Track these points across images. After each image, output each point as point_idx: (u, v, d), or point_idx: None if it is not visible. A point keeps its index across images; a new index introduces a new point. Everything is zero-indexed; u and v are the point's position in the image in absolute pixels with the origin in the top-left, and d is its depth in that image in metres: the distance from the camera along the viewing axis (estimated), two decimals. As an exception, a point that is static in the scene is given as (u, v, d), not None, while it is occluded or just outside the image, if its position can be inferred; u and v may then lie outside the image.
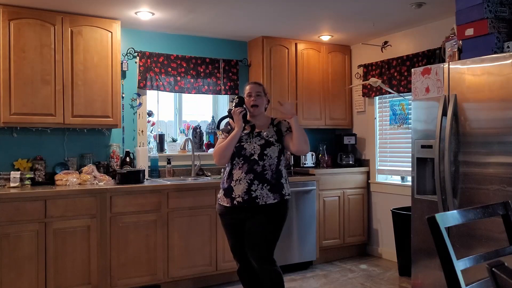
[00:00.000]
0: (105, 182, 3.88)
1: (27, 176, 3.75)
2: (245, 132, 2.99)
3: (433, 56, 4.21)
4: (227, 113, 3.12)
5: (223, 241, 3.90)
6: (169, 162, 4.55)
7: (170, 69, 4.58)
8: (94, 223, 3.61)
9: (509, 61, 2.82)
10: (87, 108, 3.93)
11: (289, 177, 4.47)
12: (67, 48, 3.85)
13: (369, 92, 5.05)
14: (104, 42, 4.01)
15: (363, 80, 5.14)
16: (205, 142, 4.94)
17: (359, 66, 5.23)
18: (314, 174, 4.77)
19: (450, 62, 3.25)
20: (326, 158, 5.23)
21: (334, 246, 4.90)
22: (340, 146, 5.23)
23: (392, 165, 4.94)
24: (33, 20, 3.73)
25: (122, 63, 4.29)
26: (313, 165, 5.13)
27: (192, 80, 4.71)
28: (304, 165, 5.06)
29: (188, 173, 4.67)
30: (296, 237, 4.49)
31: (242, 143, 2.95)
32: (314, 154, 5.17)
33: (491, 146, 2.95)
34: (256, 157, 2.90)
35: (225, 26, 4.45)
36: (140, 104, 4.53)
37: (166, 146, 4.73)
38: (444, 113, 3.19)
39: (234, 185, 2.92)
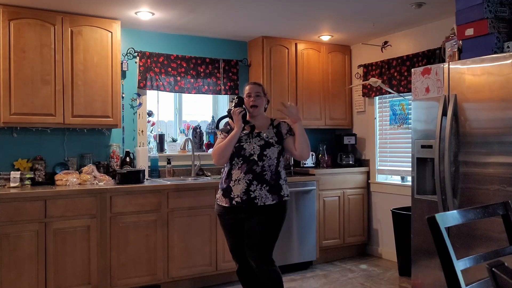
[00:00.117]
0: (105, 182, 3.88)
1: (27, 176, 3.75)
2: (244, 132, 2.98)
3: (433, 56, 4.21)
4: (226, 113, 3.12)
5: (223, 241, 3.90)
6: (169, 162, 4.55)
7: (170, 69, 4.58)
8: (94, 223, 3.61)
9: (509, 61, 2.82)
10: (87, 108, 3.93)
11: (289, 177, 4.49)
12: (67, 48, 3.85)
13: (369, 92, 5.05)
14: (104, 42, 4.01)
15: (363, 80, 5.14)
16: (205, 142, 4.94)
17: (359, 66, 5.23)
18: (314, 174, 4.77)
19: (450, 62, 3.25)
20: (326, 158, 5.23)
21: (334, 246, 4.90)
22: (340, 146, 5.23)
23: (392, 165, 4.94)
24: (33, 20, 3.73)
25: (122, 63, 4.29)
26: (313, 165, 5.13)
27: (192, 80, 4.71)
28: (304, 165, 5.06)
29: (188, 173, 4.67)
30: (296, 237, 4.49)
31: (242, 143, 2.95)
32: (314, 154, 5.16)
33: (491, 146, 2.95)
34: (255, 157, 2.90)
35: (225, 26, 4.45)
36: (140, 104, 4.53)
37: (166, 146, 4.73)
38: (444, 113, 3.19)
39: (233, 185, 2.91)
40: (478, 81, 3.01)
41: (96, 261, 3.61)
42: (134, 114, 4.49)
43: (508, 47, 3.02)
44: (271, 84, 4.83)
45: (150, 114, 4.65)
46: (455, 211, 1.60)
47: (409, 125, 4.51)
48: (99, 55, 3.98)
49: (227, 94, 4.95)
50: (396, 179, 4.95)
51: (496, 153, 2.92)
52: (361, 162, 5.26)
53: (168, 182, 4.05)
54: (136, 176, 3.92)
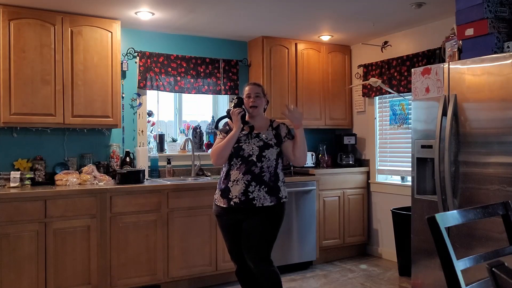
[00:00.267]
0: (105, 182, 3.88)
1: (27, 176, 3.75)
2: (243, 133, 2.97)
3: (433, 56, 4.21)
4: (225, 114, 3.11)
5: (223, 241, 3.89)
6: (169, 162, 4.55)
7: (170, 69, 4.58)
8: (94, 223, 3.61)
9: (509, 61, 2.82)
10: (87, 108, 3.93)
11: (289, 177, 4.50)
12: (67, 48, 3.85)
13: (369, 92, 5.05)
14: (104, 42, 4.01)
15: (363, 80, 5.14)
16: (205, 142, 4.94)
17: (359, 66, 5.23)
18: (314, 174, 4.77)
19: (450, 62, 3.25)
20: (326, 158, 5.23)
21: (334, 246, 4.90)
22: (340, 146, 5.23)
23: (392, 165, 4.94)
24: (33, 20, 3.73)
25: (122, 63, 4.29)
26: (313, 165, 5.12)
27: (192, 80, 4.71)
28: (304, 165, 5.06)
29: (188, 173, 4.67)
30: (296, 237, 4.49)
31: (241, 144, 2.94)
32: (314, 154, 5.17)
33: (491, 146, 2.94)
34: (254, 158, 2.89)
35: (225, 26, 4.45)
36: (140, 104, 4.53)
37: (166, 146, 4.73)
38: (444, 113, 3.19)
39: (231, 186, 2.90)
40: (478, 81, 3.01)
41: (96, 261, 3.61)
42: (134, 114, 4.49)
43: (508, 47, 3.01)
44: (271, 84, 4.83)
45: (150, 114, 4.65)
46: (455, 211, 1.60)
47: (409, 125, 4.51)
48: (99, 55, 3.98)
49: (227, 94, 4.95)
50: (396, 179, 4.95)
51: (496, 153, 2.92)
52: (361, 162, 5.26)
53: (168, 182, 4.05)
54: (136, 176, 3.92)
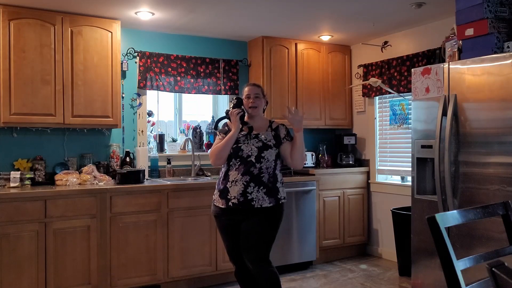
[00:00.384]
0: (105, 182, 3.88)
1: (27, 176, 3.75)
2: (242, 133, 2.96)
3: (433, 56, 4.21)
4: (225, 114, 3.11)
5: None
6: (169, 162, 4.55)
7: (170, 69, 4.58)
8: (94, 223, 3.61)
9: (509, 61, 2.82)
10: (87, 108, 3.93)
11: (289, 177, 4.50)
12: (67, 48, 3.85)
13: (369, 92, 5.05)
14: (104, 42, 4.01)
15: (363, 80, 5.14)
16: (205, 142, 4.94)
17: (359, 66, 5.23)
18: (314, 174, 4.76)
19: (450, 62, 3.25)
20: (326, 158, 5.23)
21: (334, 246, 4.90)
22: (340, 146, 5.23)
23: (392, 165, 4.94)
24: (33, 20, 3.73)
25: (122, 63, 4.29)
26: (313, 165, 5.12)
27: (192, 80, 4.71)
28: (304, 165, 5.06)
29: (188, 173, 4.67)
30: (296, 237, 4.49)
31: (240, 144, 2.93)
32: (314, 154, 5.17)
33: (491, 146, 2.95)
34: (253, 159, 2.88)
35: (225, 26, 4.45)
36: (140, 104, 4.53)
37: (166, 146, 4.73)
38: (444, 113, 3.19)
39: (229, 186, 2.89)
40: (478, 81, 3.01)
41: (96, 261, 3.61)
42: (134, 114, 4.49)
43: (508, 47, 3.01)
44: (271, 84, 4.83)
45: (150, 114, 4.65)
46: (455, 211, 1.60)
47: (409, 125, 4.51)
48: (99, 55, 3.98)
49: (227, 94, 4.95)
50: (396, 179, 4.95)
51: (496, 153, 2.92)
52: (361, 162, 5.26)
53: (168, 182, 4.05)
54: (136, 176, 3.92)
